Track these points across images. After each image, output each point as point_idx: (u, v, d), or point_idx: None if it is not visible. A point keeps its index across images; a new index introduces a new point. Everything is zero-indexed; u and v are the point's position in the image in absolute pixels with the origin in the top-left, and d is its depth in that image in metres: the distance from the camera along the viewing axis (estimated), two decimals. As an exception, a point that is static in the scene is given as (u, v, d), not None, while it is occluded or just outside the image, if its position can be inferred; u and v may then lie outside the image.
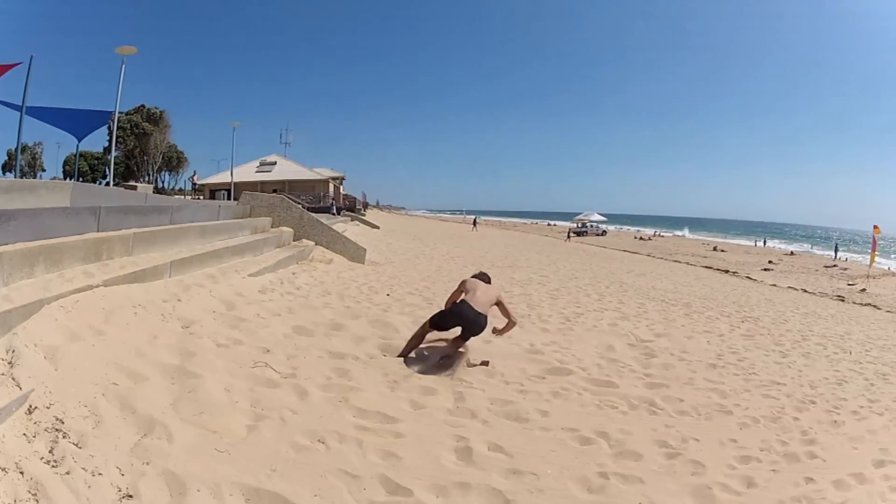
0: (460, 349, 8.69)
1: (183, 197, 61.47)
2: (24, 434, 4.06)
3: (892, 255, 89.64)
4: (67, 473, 3.81)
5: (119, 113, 40.69)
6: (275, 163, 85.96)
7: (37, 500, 3.48)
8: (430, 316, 8.96)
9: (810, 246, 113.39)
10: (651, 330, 13.48)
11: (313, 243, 18.40)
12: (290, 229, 18.48)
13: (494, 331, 8.98)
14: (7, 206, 8.24)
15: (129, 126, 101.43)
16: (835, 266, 60.74)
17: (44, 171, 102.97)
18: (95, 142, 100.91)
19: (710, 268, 47.91)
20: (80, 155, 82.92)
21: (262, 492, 4.31)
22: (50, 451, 3.98)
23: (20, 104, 27.23)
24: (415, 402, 6.78)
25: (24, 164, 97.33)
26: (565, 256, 40.94)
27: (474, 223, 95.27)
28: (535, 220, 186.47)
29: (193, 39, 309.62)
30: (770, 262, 60.97)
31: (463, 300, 8.69)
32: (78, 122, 34.26)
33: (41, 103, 32.26)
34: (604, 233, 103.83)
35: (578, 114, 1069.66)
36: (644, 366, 9.99)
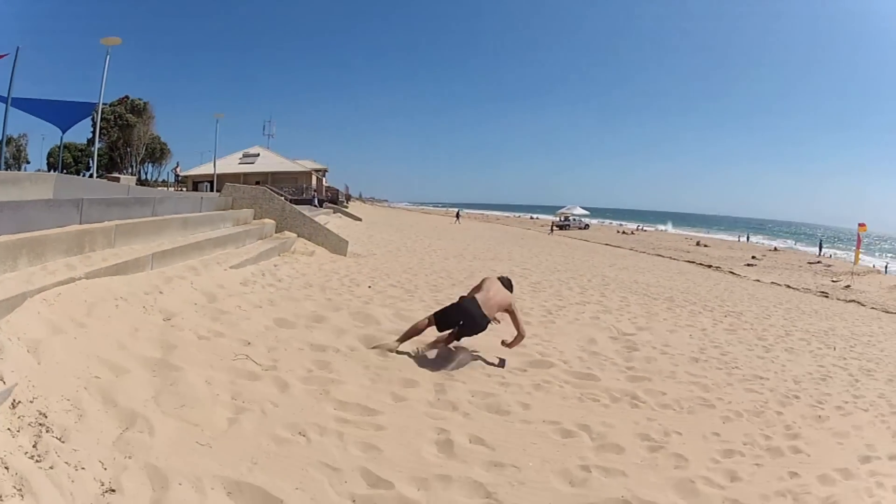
0: (450, 345, 8.65)
1: (166, 189, 61.22)
2: (9, 429, 4.03)
3: (877, 253, 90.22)
4: (51, 468, 3.79)
5: (103, 104, 40.55)
6: (258, 154, 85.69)
7: (22, 496, 3.46)
8: (435, 311, 8.85)
9: (794, 242, 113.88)
10: (633, 323, 13.56)
11: (295, 235, 18.40)
12: (273, 221, 18.44)
13: (503, 343, 8.83)
14: (-10, 198, 8.19)
15: (112, 117, 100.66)
16: (819, 262, 61.52)
17: (28, 163, 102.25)
18: (79, 133, 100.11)
19: (693, 262, 48.25)
20: (65, 147, 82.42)
21: (244, 485, 4.30)
22: (34, 446, 3.95)
23: (5, 95, 27.09)
24: (396, 395, 6.77)
25: (9, 156, 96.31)
26: (548, 250, 41.16)
27: (457, 216, 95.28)
28: (517, 214, 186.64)
29: (178, 30, 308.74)
30: (753, 257, 61.51)
31: (473, 297, 8.62)
32: (62, 113, 34.19)
33: (24, 94, 32.02)
34: (586, 226, 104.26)
35: (562, 110, 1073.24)
36: (626, 359, 10.03)
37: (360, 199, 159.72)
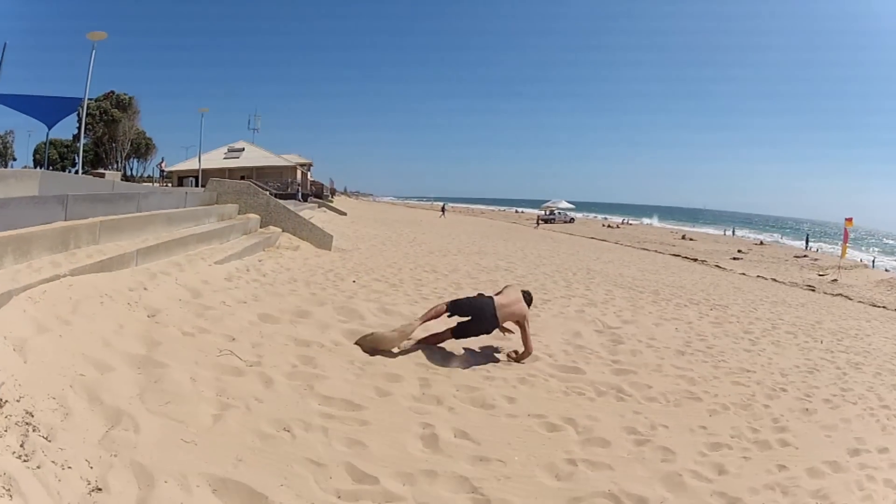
0: (440, 343, 8.62)
1: (151, 184, 61.17)
2: (-3, 429, 4.02)
3: (863, 248, 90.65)
4: (38, 467, 3.78)
5: (88, 99, 40.45)
6: (243, 149, 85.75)
7: (10, 496, 3.45)
8: (451, 300, 8.90)
9: (780, 236, 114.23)
10: (618, 317, 13.54)
11: (280, 230, 18.31)
12: (257, 216, 18.37)
13: (510, 357, 8.76)
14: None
15: (98, 113, 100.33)
16: (805, 256, 61.61)
17: (15, 160, 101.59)
18: (65, 129, 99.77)
19: (679, 256, 48.41)
20: (50, 143, 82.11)
21: (229, 482, 4.30)
22: (21, 446, 3.94)
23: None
24: (380, 389, 6.77)
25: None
26: (533, 243, 41.02)
27: (443, 209, 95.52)
28: (502, 208, 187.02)
29: (162, 24, 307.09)
30: (739, 251, 61.74)
31: (491, 297, 8.65)
32: (48, 109, 34.18)
33: (8, 89, 31.99)
34: (571, 220, 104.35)
35: (548, 103, 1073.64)
36: (611, 352, 10.02)
37: (345, 193, 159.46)
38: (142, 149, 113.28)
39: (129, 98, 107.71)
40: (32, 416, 4.31)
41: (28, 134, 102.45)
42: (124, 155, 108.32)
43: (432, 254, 23.41)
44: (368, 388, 6.74)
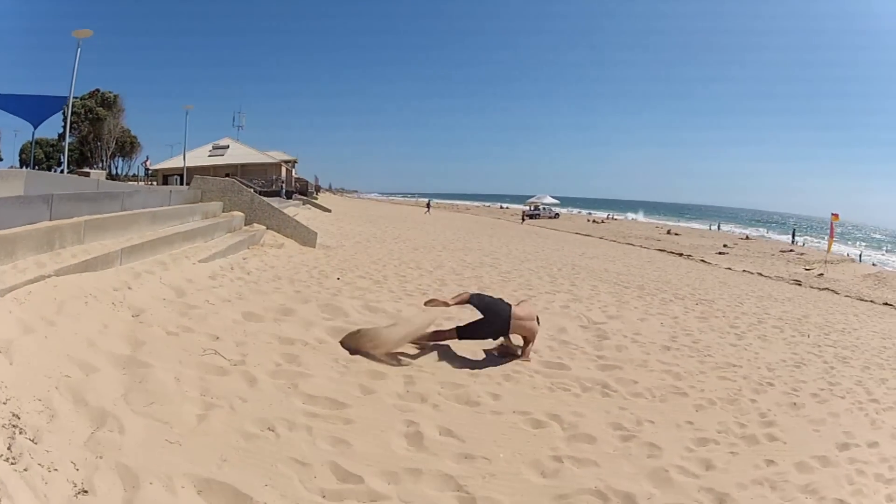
0: (442, 342, 8.62)
1: (136, 183, 60.97)
2: (-16, 432, 4.01)
3: (850, 242, 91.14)
4: (25, 470, 3.76)
5: (74, 98, 40.38)
6: (227, 146, 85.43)
7: (-1, 499, 3.44)
8: (475, 293, 8.96)
9: (766, 231, 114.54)
10: (604, 312, 13.58)
11: (264, 228, 18.33)
12: (241, 214, 18.31)
13: (505, 347, 8.81)
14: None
15: (83, 111, 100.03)
16: (791, 251, 61.81)
17: (1, 160, 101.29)
18: (50, 129, 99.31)
19: (664, 251, 48.63)
20: (36, 142, 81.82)
21: (214, 482, 4.29)
22: (8, 448, 3.91)
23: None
24: (364, 387, 6.76)
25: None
26: (518, 239, 41.21)
27: (428, 206, 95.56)
28: (487, 204, 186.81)
29: (146, 20, 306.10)
30: (725, 245, 61.98)
31: (509, 304, 8.66)
32: (34, 108, 34.09)
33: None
34: (556, 216, 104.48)
35: (532, 99, 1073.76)
36: (596, 348, 10.04)
37: (329, 190, 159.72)
38: (126, 147, 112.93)
39: (114, 96, 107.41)
40: (19, 418, 4.30)
41: (14, 133, 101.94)
42: (109, 154, 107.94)
43: (417, 250, 23.45)
44: (353, 386, 6.73)
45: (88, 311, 6.95)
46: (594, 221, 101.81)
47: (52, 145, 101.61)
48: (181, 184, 53.14)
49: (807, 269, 41.97)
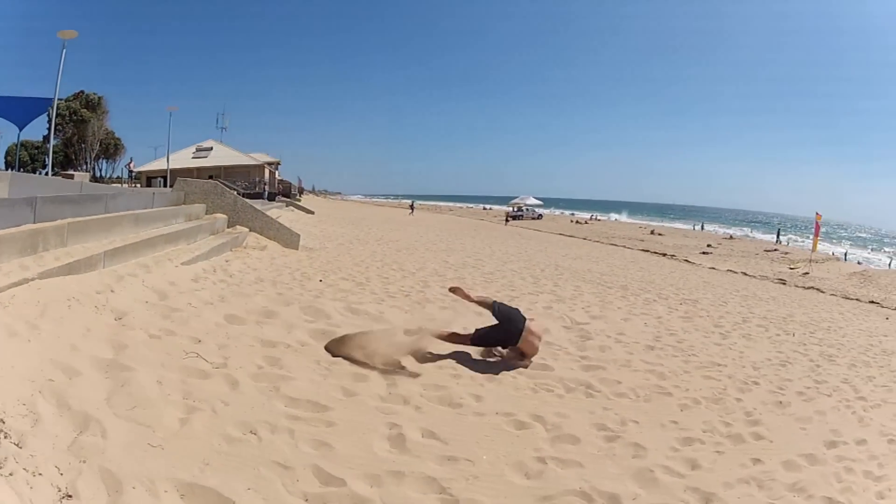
0: (454, 342, 8.64)
1: (120, 185, 60.74)
2: (-30, 437, 4.01)
3: (835, 240, 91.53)
4: (11, 475, 3.78)
5: (58, 99, 40.28)
6: (211, 148, 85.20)
7: (-15, 505, 3.44)
8: (497, 301, 9.01)
9: (750, 230, 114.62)
10: (587, 312, 13.59)
11: (247, 230, 18.27)
12: (225, 216, 18.28)
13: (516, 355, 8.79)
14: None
15: (67, 113, 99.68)
16: (776, 250, 61.87)
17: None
18: (35, 130, 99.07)
19: (648, 251, 48.40)
20: (21, 144, 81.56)
21: (196, 487, 4.31)
22: (-6, 453, 3.92)
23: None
24: (346, 390, 6.76)
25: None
26: (501, 240, 41.08)
27: (411, 207, 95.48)
28: (470, 205, 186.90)
29: (131, 21, 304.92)
30: (709, 245, 61.91)
31: (526, 318, 8.71)
32: (18, 110, 33.97)
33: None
34: (539, 216, 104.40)
35: (511, 98, 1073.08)
36: (580, 348, 10.06)
37: (313, 192, 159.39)
38: (111, 149, 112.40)
39: (99, 98, 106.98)
40: (3, 422, 4.32)
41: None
42: (93, 155, 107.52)
43: (400, 252, 23.41)
44: (335, 389, 6.73)
45: (71, 315, 6.96)
46: (577, 222, 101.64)
47: (37, 147, 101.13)
48: (165, 186, 52.96)
49: (791, 268, 41.94)
